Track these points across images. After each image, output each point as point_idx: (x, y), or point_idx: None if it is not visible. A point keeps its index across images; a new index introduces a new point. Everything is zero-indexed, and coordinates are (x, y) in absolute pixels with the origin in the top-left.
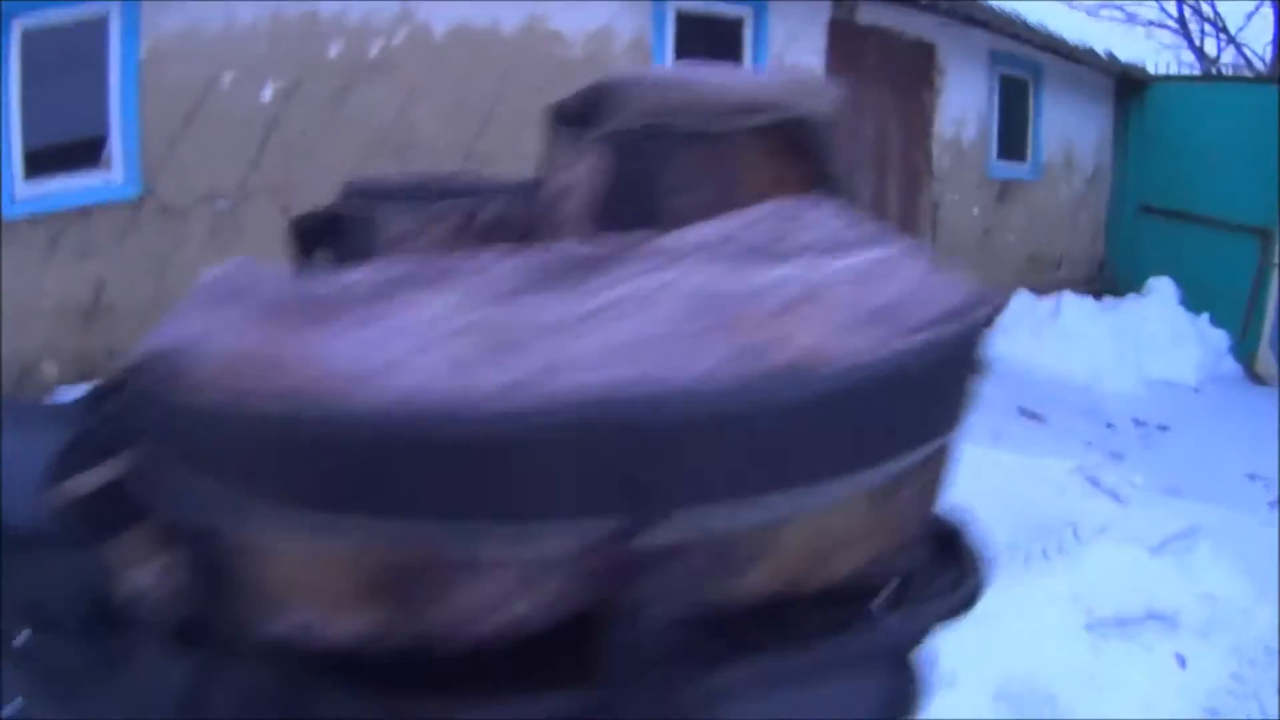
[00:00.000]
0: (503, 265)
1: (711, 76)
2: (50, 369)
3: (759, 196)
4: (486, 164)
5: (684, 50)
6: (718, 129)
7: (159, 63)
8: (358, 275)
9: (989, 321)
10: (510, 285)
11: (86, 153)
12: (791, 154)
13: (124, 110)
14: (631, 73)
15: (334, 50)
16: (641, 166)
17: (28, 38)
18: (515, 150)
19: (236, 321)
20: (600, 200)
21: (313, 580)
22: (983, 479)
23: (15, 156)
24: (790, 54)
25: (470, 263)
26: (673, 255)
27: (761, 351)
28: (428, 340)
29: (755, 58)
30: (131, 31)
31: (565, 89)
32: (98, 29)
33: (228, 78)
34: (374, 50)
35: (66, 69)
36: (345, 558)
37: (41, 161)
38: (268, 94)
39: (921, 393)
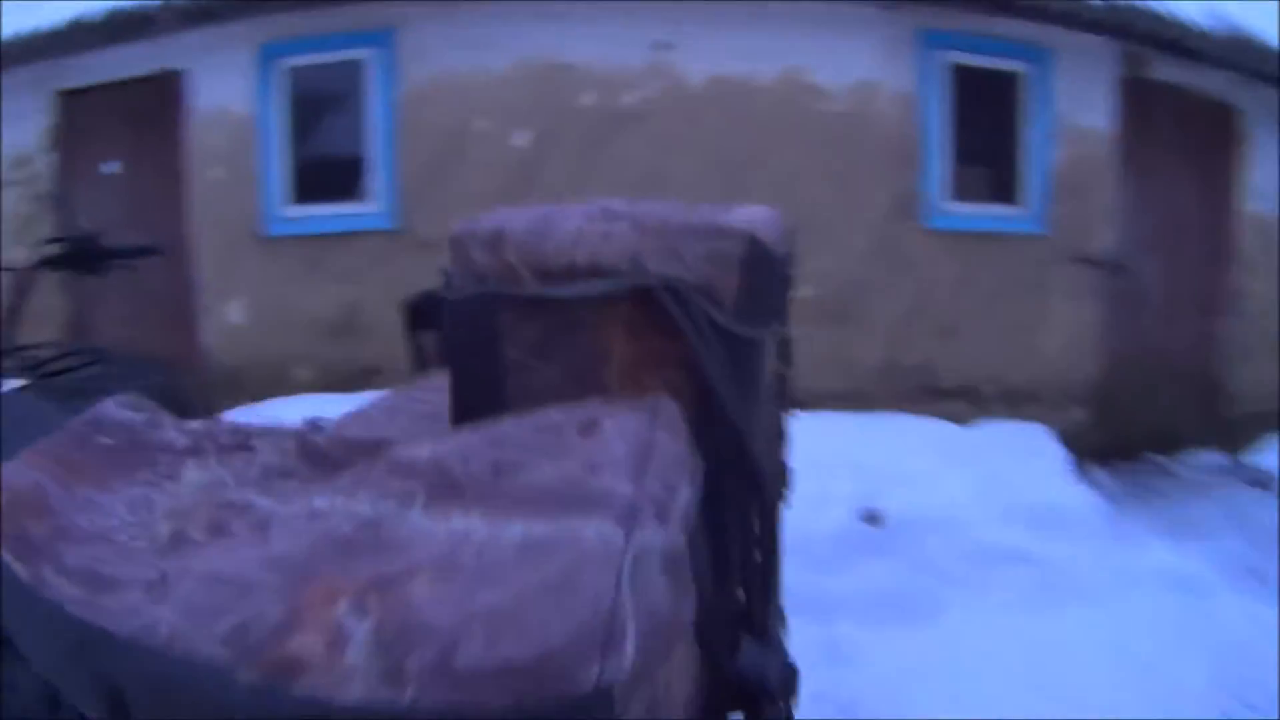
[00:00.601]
0: (275, 447)
1: (568, 225)
2: (303, 374)
3: (627, 377)
4: None
5: (959, 107)
6: (554, 295)
7: (415, 105)
8: (174, 434)
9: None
10: (257, 473)
11: (348, 184)
12: (654, 327)
13: (382, 147)
14: (476, 222)
15: (587, 99)
16: (478, 336)
17: (295, 74)
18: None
19: (36, 458)
20: (450, 374)
21: None
22: None
23: (283, 181)
24: (1075, 113)
25: (261, 438)
26: (374, 476)
27: (261, 639)
28: (137, 521)
29: (1037, 116)
30: (388, 74)
31: (826, 144)
32: (357, 70)
33: (481, 123)
34: (627, 100)
35: (331, 105)
36: None
37: (307, 188)
38: (520, 140)
39: None
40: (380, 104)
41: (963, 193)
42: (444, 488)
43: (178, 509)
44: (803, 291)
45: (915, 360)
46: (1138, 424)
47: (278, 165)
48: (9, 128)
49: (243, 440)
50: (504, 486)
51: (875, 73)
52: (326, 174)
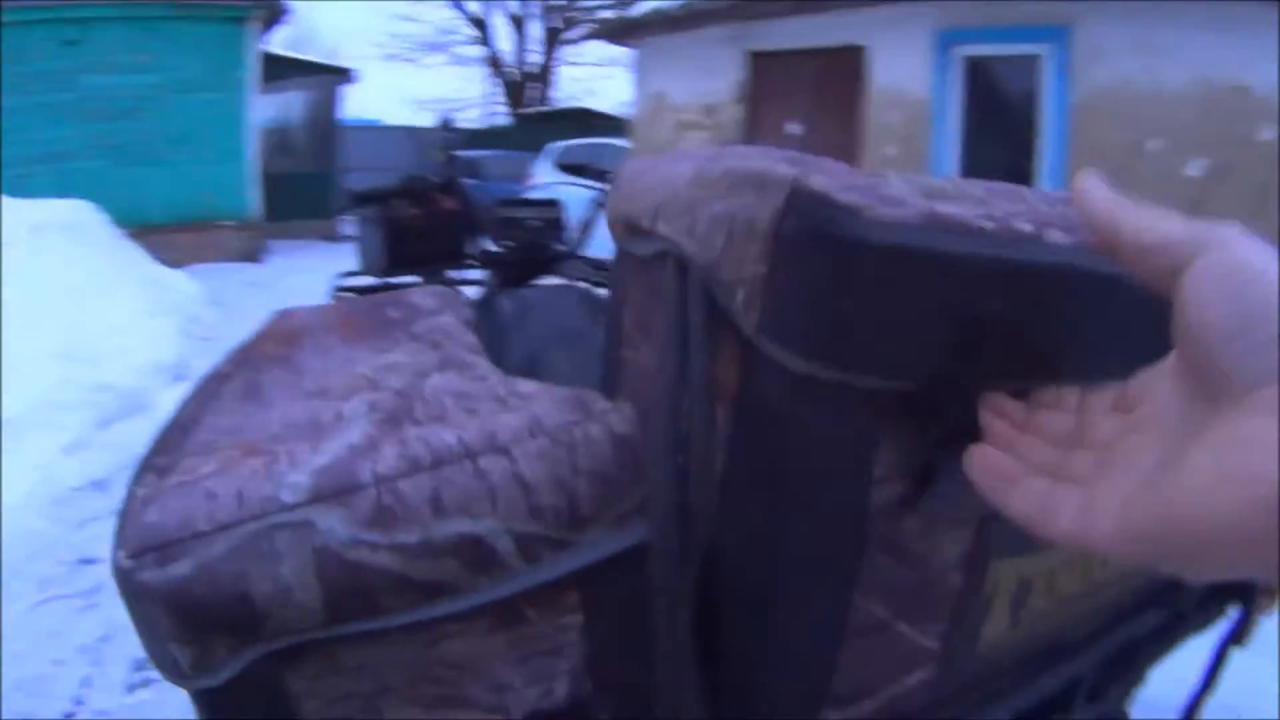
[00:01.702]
0: (444, 352)
1: (660, 169)
2: None
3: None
4: None
5: None
6: (590, 260)
7: (1088, 114)
8: (424, 324)
9: None
10: (418, 367)
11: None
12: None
13: (1052, 153)
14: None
15: (1265, 133)
16: (614, 294)
17: (970, 64)
18: None
19: (323, 311)
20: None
21: None
22: None
23: (953, 170)
24: None
25: (447, 340)
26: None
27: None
28: (331, 372)
29: None
30: (1062, 75)
31: None
32: (1031, 67)
33: (1154, 144)
34: None
35: (1004, 101)
36: None
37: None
38: (1193, 169)
39: None
40: (1054, 107)
41: None
42: (400, 412)
43: (351, 375)
44: None
45: None
46: None
47: (950, 153)
48: (703, 78)
49: (440, 340)
50: (409, 435)
51: None
52: (992, 169)
